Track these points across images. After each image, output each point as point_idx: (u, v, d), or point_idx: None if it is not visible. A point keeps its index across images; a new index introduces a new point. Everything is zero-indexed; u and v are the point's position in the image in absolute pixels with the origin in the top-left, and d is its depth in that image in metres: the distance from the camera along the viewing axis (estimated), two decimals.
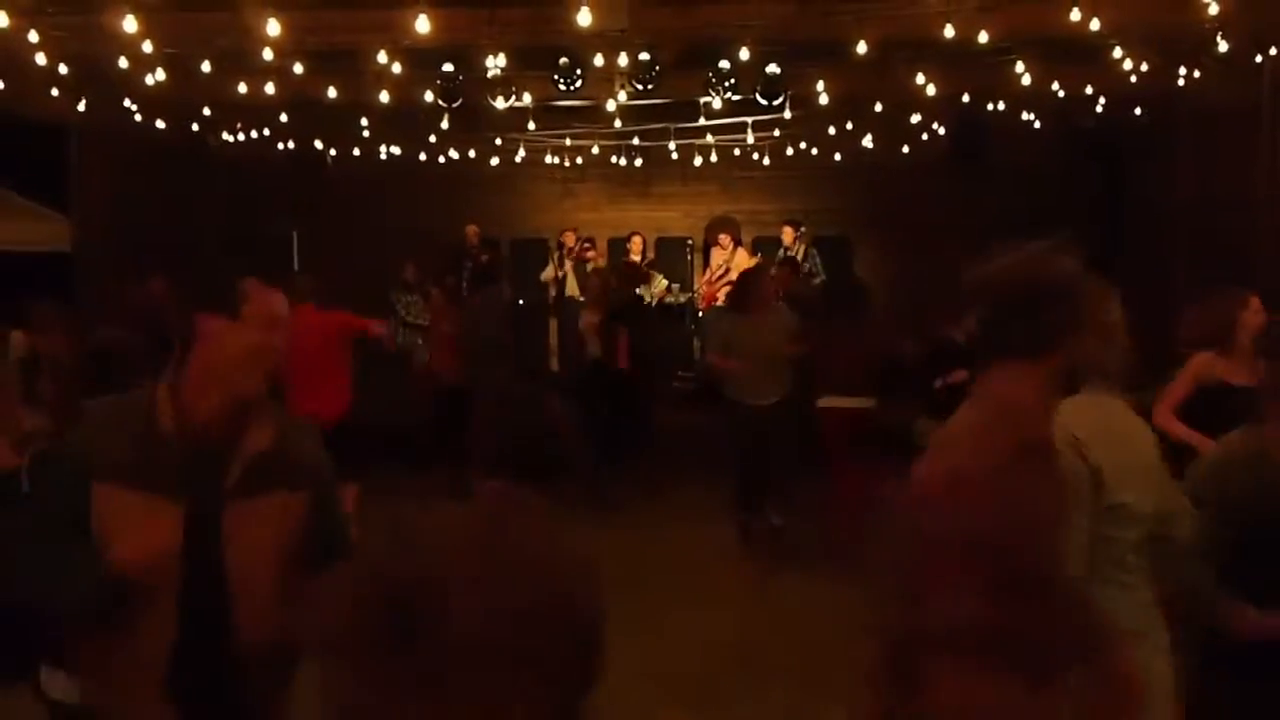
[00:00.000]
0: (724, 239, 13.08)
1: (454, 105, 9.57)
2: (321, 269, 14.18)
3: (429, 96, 9.59)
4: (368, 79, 9.62)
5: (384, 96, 9.96)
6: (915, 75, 9.69)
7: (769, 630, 6.72)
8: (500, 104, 10.19)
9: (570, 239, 13.75)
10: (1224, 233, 10.34)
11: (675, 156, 13.94)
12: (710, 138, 13.18)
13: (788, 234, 13.16)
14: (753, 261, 12.93)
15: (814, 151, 13.73)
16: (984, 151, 12.31)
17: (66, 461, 2.55)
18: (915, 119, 11.94)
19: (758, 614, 6.99)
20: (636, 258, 13.64)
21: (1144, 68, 9.28)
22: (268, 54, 8.24)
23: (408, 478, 9.41)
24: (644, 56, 8.83)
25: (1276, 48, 8.81)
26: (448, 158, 13.98)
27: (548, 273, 13.93)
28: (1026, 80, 9.54)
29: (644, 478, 10.16)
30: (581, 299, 12.14)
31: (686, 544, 8.83)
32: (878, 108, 11.42)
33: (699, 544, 8.82)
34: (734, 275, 12.44)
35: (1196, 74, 9.53)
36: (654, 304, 13.38)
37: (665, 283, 13.80)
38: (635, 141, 13.59)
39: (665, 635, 6.82)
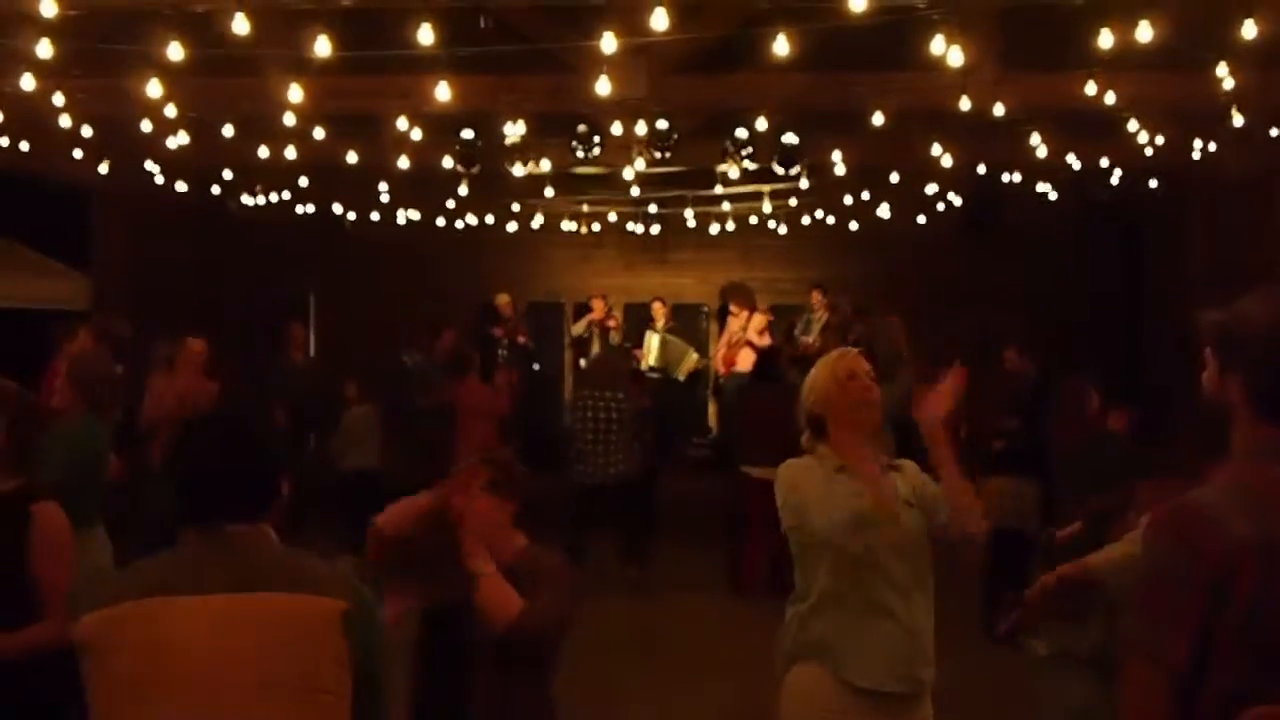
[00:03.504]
0: (734, 307, 13.09)
1: (473, 171, 9.64)
2: (339, 331, 14.30)
3: (448, 162, 9.66)
4: (388, 144, 9.71)
5: (404, 161, 10.05)
6: (931, 146, 9.74)
7: (768, 693, 6.63)
8: (519, 170, 10.26)
9: (600, 307, 13.78)
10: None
11: (692, 224, 13.99)
12: (727, 206, 13.24)
13: (815, 297, 13.00)
14: (765, 320, 12.91)
15: (830, 220, 13.75)
16: (998, 222, 12.34)
17: None
18: (931, 189, 11.98)
19: (757, 677, 6.90)
20: (660, 323, 13.70)
21: (1159, 140, 9.31)
22: (289, 119, 8.33)
23: None
24: (662, 125, 8.89)
25: None
26: (466, 223, 14.06)
27: (579, 328, 14.01)
28: (1042, 152, 9.57)
29: (654, 546, 10.08)
30: None
31: (696, 613, 8.75)
32: (894, 178, 11.46)
33: (709, 613, 8.73)
34: (753, 337, 12.45)
35: (1212, 147, 9.56)
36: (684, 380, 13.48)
37: (695, 356, 13.83)
38: (652, 209, 13.65)
39: (674, 702, 6.74)
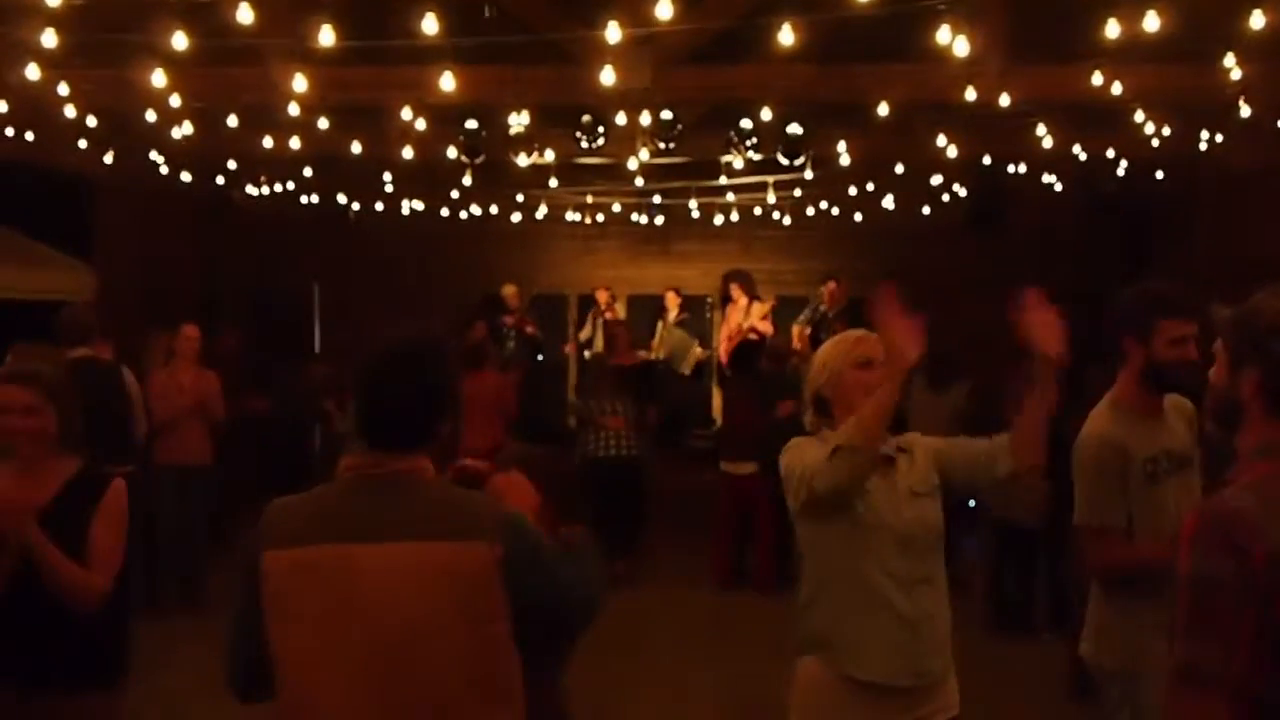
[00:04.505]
0: (734, 290, 13.06)
1: (477, 161, 9.63)
2: (342, 322, 14.31)
3: (452, 152, 9.65)
4: (392, 135, 9.70)
5: (408, 152, 10.04)
6: (936, 137, 9.72)
7: (769, 685, 6.61)
8: (523, 161, 10.23)
9: (604, 297, 13.82)
10: (1248, 297, 10.27)
11: (696, 215, 13.97)
12: (731, 196, 13.21)
13: (831, 286, 12.73)
14: (767, 307, 12.87)
15: (835, 211, 13.73)
16: (1002, 215, 12.31)
17: None
18: (936, 180, 11.95)
19: (775, 672, 6.90)
20: (673, 313, 13.71)
21: (1166, 132, 9.28)
22: (294, 109, 8.32)
23: None
24: (666, 115, 8.88)
25: None
26: (470, 213, 14.06)
27: (585, 331, 14.09)
28: (1048, 143, 9.54)
29: (649, 538, 10.07)
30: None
31: (690, 602, 8.75)
32: (899, 169, 11.44)
33: (702, 602, 8.74)
34: (758, 324, 12.42)
35: (1219, 138, 9.53)
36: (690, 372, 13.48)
37: (699, 349, 13.82)
38: (656, 199, 13.63)
39: (683, 693, 6.76)
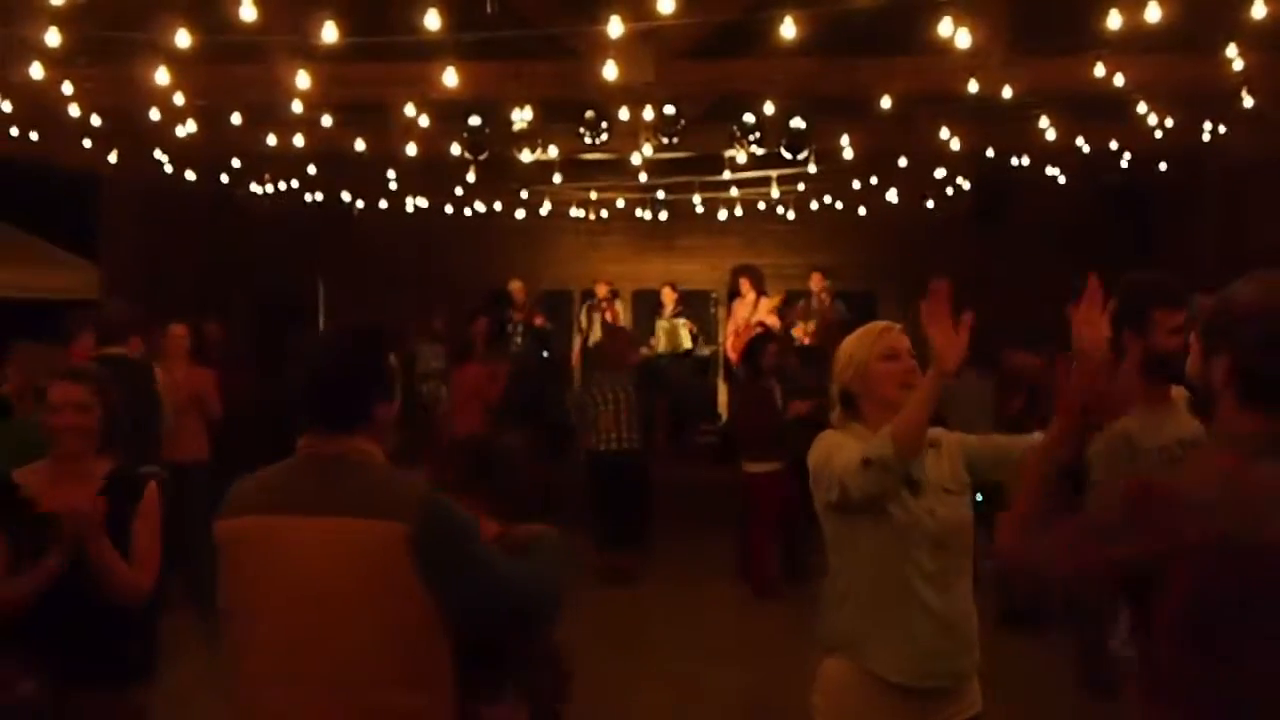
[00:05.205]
0: (743, 284, 13.06)
1: (480, 158, 9.64)
2: (347, 317, 14.30)
3: (456, 149, 9.66)
4: (396, 131, 9.72)
5: (411, 149, 10.05)
6: (939, 130, 9.72)
7: (777, 683, 6.62)
8: (526, 157, 10.25)
9: (603, 290, 13.83)
10: None
11: (700, 210, 13.98)
12: (735, 191, 13.21)
13: (816, 279, 12.95)
14: (774, 302, 12.89)
15: (838, 205, 13.73)
16: (1006, 208, 12.29)
17: None
18: (940, 173, 11.94)
19: (767, 668, 6.90)
20: (668, 309, 13.71)
21: (1169, 123, 9.27)
22: (297, 106, 8.34)
23: None
24: (669, 110, 8.88)
25: None
26: (474, 210, 14.07)
27: (582, 323, 14.10)
28: (1051, 135, 9.55)
29: (655, 535, 10.07)
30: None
31: (697, 600, 8.75)
32: (902, 162, 11.44)
33: (710, 600, 8.74)
34: (766, 318, 12.42)
35: (1222, 129, 9.52)
36: (685, 356, 13.45)
37: (683, 320, 13.81)
38: (660, 195, 13.65)
39: (675, 688, 6.75)
